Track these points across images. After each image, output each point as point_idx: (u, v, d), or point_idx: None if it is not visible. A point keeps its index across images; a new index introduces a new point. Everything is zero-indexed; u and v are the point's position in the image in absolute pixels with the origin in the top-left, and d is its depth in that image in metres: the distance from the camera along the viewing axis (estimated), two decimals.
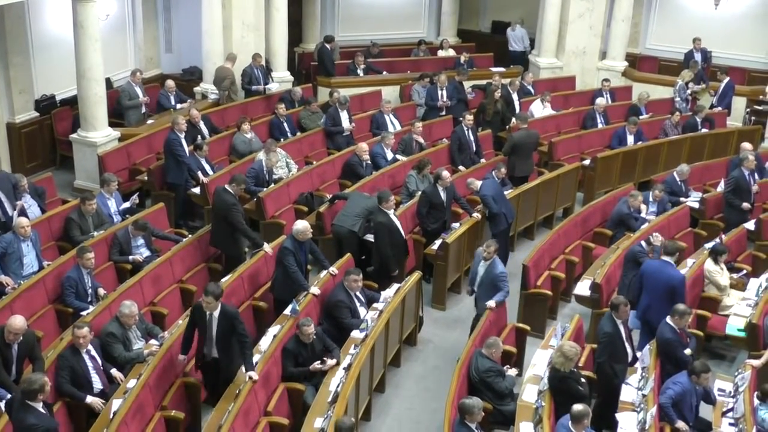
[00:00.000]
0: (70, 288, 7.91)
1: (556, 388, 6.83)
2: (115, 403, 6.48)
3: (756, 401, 6.99)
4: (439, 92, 13.50)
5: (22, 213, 8.94)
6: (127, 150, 11.31)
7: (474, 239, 10.03)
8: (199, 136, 11.45)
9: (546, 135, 13.25)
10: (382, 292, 8.54)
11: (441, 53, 17.01)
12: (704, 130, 13.39)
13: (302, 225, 8.34)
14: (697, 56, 15.37)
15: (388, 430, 7.66)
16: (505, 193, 10.29)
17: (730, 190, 10.81)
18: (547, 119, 13.69)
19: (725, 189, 10.97)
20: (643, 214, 10.28)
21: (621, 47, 15.99)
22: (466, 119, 11.96)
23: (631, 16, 16.03)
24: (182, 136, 10.60)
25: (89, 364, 6.84)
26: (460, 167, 11.66)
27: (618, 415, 6.96)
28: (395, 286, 8.58)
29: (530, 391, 7.05)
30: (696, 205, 11.07)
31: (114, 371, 7.05)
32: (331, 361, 7.31)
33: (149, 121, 12.41)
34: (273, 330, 7.65)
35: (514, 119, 12.87)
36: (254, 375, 6.81)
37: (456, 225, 9.88)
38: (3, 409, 6.20)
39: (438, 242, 9.48)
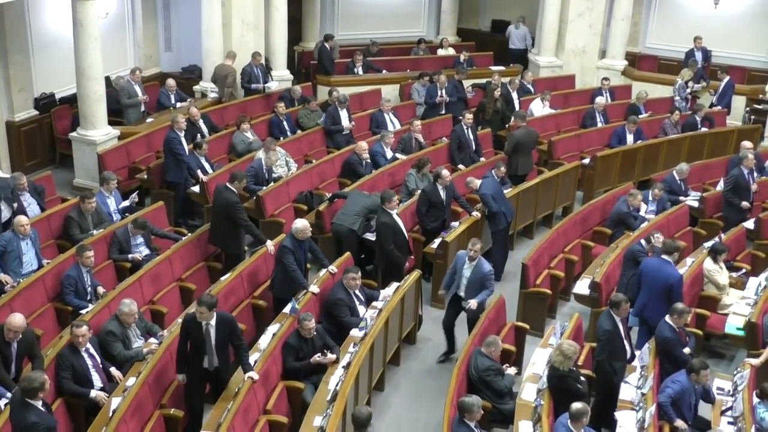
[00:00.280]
0: (69, 286, 7.91)
1: (555, 386, 6.84)
2: (115, 402, 6.49)
3: (755, 400, 7.00)
4: (439, 91, 13.53)
5: (21, 211, 8.93)
6: (127, 148, 11.31)
7: (473, 238, 10.02)
8: (198, 135, 11.45)
9: (546, 134, 13.25)
10: (381, 291, 8.55)
11: (441, 52, 17.01)
12: (704, 129, 13.39)
13: (302, 224, 8.34)
14: (698, 55, 15.36)
15: (388, 429, 7.66)
16: (505, 191, 10.30)
17: (729, 189, 10.81)
18: (546, 118, 13.69)
19: (724, 188, 10.97)
20: (642, 213, 10.29)
21: (621, 46, 15.99)
22: (465, 118, 11.97)
23: (631, 15, 16.02)
24: (182, 134, 10.60)
25: (88, 362, 6.84)
26: (460, 166, 11.66)
27: (617, 414, 6.96)
28: (394, 284, 8.58)
29: (529, 390, 7.06)
30: (695, 204, 11.08)
31: (113, 370, 7.05)
32: (331, 355, 7.31)
33: (149, 120, 12.41)
34: (272, 328, 7.66)
35: (513, 118, 12.88)
36: (255, 375, 6.80)
37: (455, 224, 9.88)
38: (2, 408, 6.21)
39: (437, 241, 9.49)
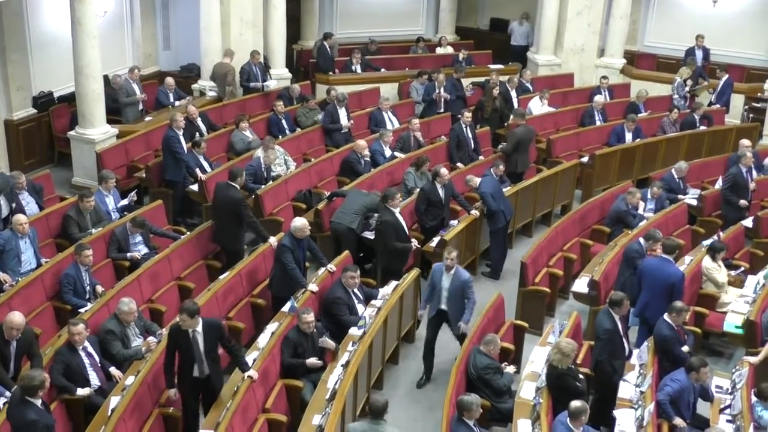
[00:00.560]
0: (68, 285, 7.91)
1: (554, 384, 6.84)
2: (114, 400, 6.48)
3: (753, 398, 7.00)
4: (438, 90, 13.53)
5: (19, 210, 8.93)
6: (125, 147, 11.30)
7: (472, 236, 10.04)
8: (197, 133, 11.44)
9: (544, 132, 13.26)
10: (380, 289, 8.55)
11: (439, 50, 17.00)
12: (702, 128, 13.39)
13: (300, 222, 8.34)
14: (699, 53, 15.37)
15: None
16: (504, 190, 10.30)
17: (727, 187, 10.82)
18: (545, 116, 13.70)
19: (723, 186, 10.98)
20: (641, 211, 10.29)
21: (619, 44, 15.99)
22: (464, 116, 11.96)
23: (630, 14, 16.02)
24: (180, 133, 10.60)
25: (86, 360, 6.84)
26: (459, 164, 11.66)
27: (616, 412, 6.97)
28: (393, 283, 8.59)
29: (528, 388, 7.06)
30: (694, 203, 11.08)
31: (112, 369, 7.05)
32: (330, 342, 7.33)
33: (147, 119, 12.41)
34: (271, 327, 7.65)
35: (511, 116, 12.88)
36: (254, 374, 6.76)
37: (454, 222, 9.88)
38: (0, 407, 6.21)
39: (436, 239, 9.48)
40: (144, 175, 10.89)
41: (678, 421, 6.74)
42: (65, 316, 7.81)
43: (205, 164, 10.75)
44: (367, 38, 16.72)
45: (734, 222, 10.48)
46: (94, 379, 6.87)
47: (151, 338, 7.43)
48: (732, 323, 8.46)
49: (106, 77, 11.92)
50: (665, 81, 15.14)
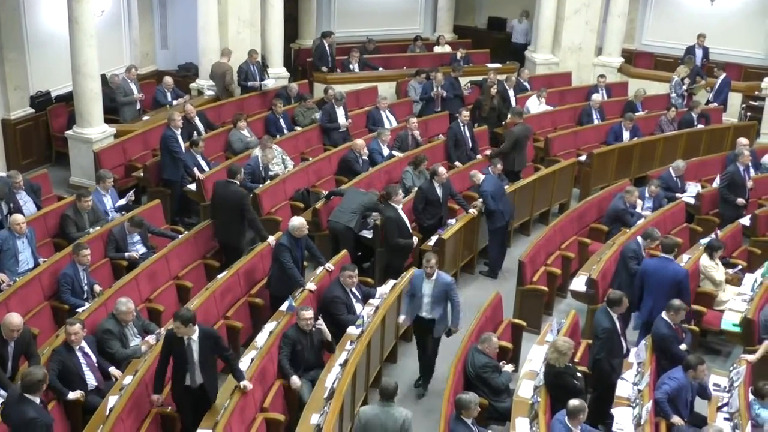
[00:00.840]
0: (65, 285, 7.90)
1: (552, 383, 6.85)
2: (111, 400, 6.48)
3: (750, 396, 7.01)
4: (435, 88, 13.54)
5: (17, 210, 8.92)
6: (123, 146, 11.29)
7: (470, 235, 10.04)
8: (195, 133, 11.43)
9: (542, 131, 13.27)
10: (378, 288, 8.55)
11: (437, 49, 17.00)
12: (700, 126, 13.41)
13: (298, 221, 8.34)
14: (699, 52, 15.39)
15: None
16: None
17: (725, 186, 10.84)
18: (543, 115, 13.71)
19: (720, 184, 10.99)
20: (639, 210, 10.30)
21: (617, 43, 16.00)
22: (462, 115, 11.96)
23: (627, 12, 16.02)
24: (178, 132, 10.58)
25: (82, 361, 6.83)
26: (456, 163, 11.67)
27: (614, 410, 6.98)
28: (391, 282, 8.59)
29: (526, 387, 7.07)
30: (691, 201, 11.09)
31: (112, 369, 7.05)
32: (320, 323, 7.34)
33: (145, 118, 12.40)
34: (269, 326, 7.65)
35: (509, 115, 12.89)
36: (248, 384, 6.62)
37: (452, 221, 9.88)
38: None
39: (434, 238, 9.48)
40: (142, 174, 10.88)
41: (676, 419, 6.75)
42: (63, 315, 7.80)
43: (203, 163, 10.74)
44: (365, 37, 16.72)
45: (732, 220, 10.50)
46: (91, 380, 6.87)
47: (149, 337, 7.43)
48: (729, 321, 8.48)
49: (103, 76, 11.91)
50: (663, 80, 15.15)
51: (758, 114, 14.43)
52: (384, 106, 12.93)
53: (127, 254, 8.77)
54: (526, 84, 14.74)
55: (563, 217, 10.38)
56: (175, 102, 12.81)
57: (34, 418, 5.71)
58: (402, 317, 7.95)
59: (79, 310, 7.66)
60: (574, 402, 6.25)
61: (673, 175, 11.24)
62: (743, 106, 15.02)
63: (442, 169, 9.81)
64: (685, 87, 14.45)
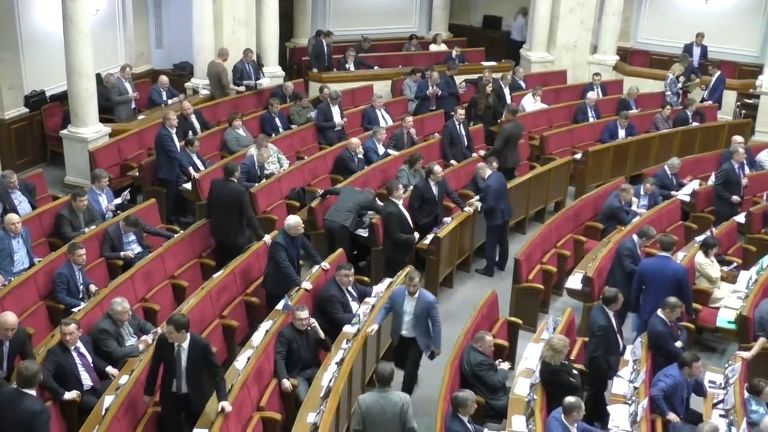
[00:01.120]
0: (61, 284, 7.89)
1: (548, 381, 6.86)
2: (107, 400, 6.46)
3: (746, 393, 7.03)
4: (430, 87, 13.54)
5: (12, 209, 8.90)
6: (118, 146, 11.27)
7: (465, 233, 10.05)
8: (190, 132, 11.42)
9: (537, 129, 13.29)
10: (374, 287, 8.55)
11: (433, 47, 17.00)
12: (695, 124, 13.43)
13: (294, 220, 8.34)
14: (696, 51, 15.41)
15: None
16: None
17: (720, 183, 10.86)
18: (538, 113, 13.72)
19: (715, 182, 11.02)
20: (634, 208, 10.32)
21: (612, 41, 16.03)
22: (457, 114, 11.97)
23: (622, 11, 16.07)
24: (173, 131, 10.57)
25: (78, 361, 6.81)
26: (452, 162, 11.67)
27: (610, 408, 6.99)
28: (387, 280, 8.59)
29: (522, 385, 7.07)
30: (687, 199, 11.12)
31: (109, 368, 7.03)
32: (313, 321, 7.31)
33: (140, 117, 12.38)
34: (265, 325, 7.64)
35: (504, 112, 12.91)
36: (228, 406, 6.29)
37: (448, 219, 9.89)
38: None
39: (430, 237, 9.49)
40: (137, 173, 10.87)
41: (671, 416, 6.77)
42: (58, 315, 7.78)
43: (199, 163, 10.73)
44: (361, 36, 16.72)
45: (727, 218, 10.52)
46: (86, 380, 6.85)
47: (146, 336, 7.42)
48: (725, 318, 8.50)
49: (98, 76, 11.87)
50: (658, 78, 15.19)
51: (753, 112, 14.48)
52: (379, 105, 12.93)
53: (122, 254, 8.76)
54: (521, 82, 14.75)
55: (559, 215, 10.40)
56: (170, 101, 12.80)
57: (41, 411, 5.72)
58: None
59: (75, 309, 7.65)
60: (569, 399, 6.26)
61: (669, 172, 11.26)
62: (738, 103, 15.07)
63: (437, 168, 9.82)
64: (680, 85, 14.48)
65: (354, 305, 8.12)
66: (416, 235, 9.36)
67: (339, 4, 17.68)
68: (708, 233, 9.70)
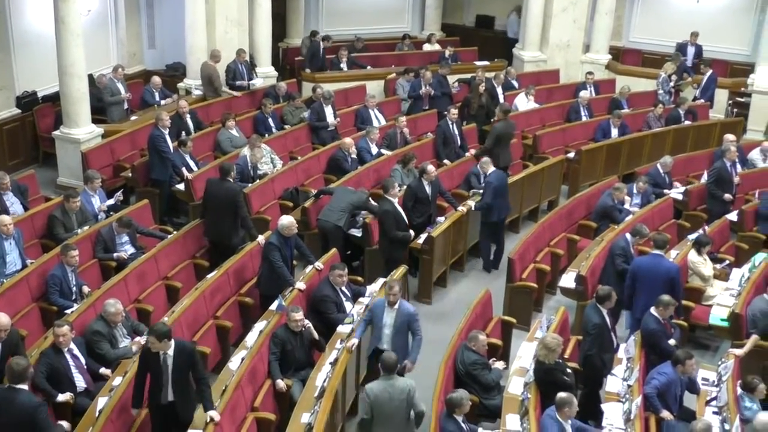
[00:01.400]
0: (54, 286, 7.86)
1: (542, 379, 6.87)
2: (101, 401, 6.44)
3: (739, 390, 7.06)
4: (423, 87, 13.54)
5: (4, 211, 8.86)
6: (111, 147, 11.24)
7: (459, 233, 10.05)
8: (183, 132, 11.40)
9: (530, 128, 13.31)
10: (367, 287, 8.55)
11: (427, 47, 17.01)
12: (687, 123, 13.48)
13: (287, 220, 8.33)
14: (691, 50, 15.45)
15: None
16: None
17: (712, 182, 10.90)
18: (531, 112, 13.74)
19: (708, 180, 11.06)
20: (627, 206, 10.34)
21: (604, 40, 16.07)
22: (450, 113, 11.98)
23: (615, 10, 16.12)
24: (166, 132, 10.55)
25: (71, 362, 6.79)
26: (445, 161, 11.68)
27: (603, 406, 7.01)
28: (381, 280, 8.58)
29: (516, 384, 7.08)
30: (679, 197, 11.15)
31: (103, 369, 7.01)
32: (306, 322, 7.28)
33: (133, 118, 12.35)
34: (259, 326, 7.63)
35: (497, 111, 12.92)
36: (216, 415, 6.16)
37: (441, 219, 9.90)
38: None
39: (423, 236, 9.49)
40: (130, 174, 10.84)
41: (665, 414, 6.79)
42: (51, 317, 7.75)
43: (192, 163, 10.71)
44: (353, 35, 16.71)
45: (719, 216, 10.56)
46: (80, 381, 6.83)
47: (139, 338, 7.39)
48: (718, 316, 8.52)
49: (90, 76, 11.84)
50: (650, 76, 15.24)
51: (745, 110, 14.53)
52: (372, 105, 12.93)
53: (115, 255, 8.74)
54: (514, 82, 14.77)
55: (552, 214, 10.41)
56: (162, 102, 12.77)
57: (41, 403, 5.72)
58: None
59: (68, 311, 7.61)
60: (561, 394, 6.28)
61: (661, 171, 11.29)
62: (730, 102, 15.12)
63: (431, 167, 9.82)
64: (672, 84, 14.53)
65: (348, 305, 8.11)
66: (412, 232, 9.37)
67: (332, 4, 17.67)
68: (701, 231, 9.74)
